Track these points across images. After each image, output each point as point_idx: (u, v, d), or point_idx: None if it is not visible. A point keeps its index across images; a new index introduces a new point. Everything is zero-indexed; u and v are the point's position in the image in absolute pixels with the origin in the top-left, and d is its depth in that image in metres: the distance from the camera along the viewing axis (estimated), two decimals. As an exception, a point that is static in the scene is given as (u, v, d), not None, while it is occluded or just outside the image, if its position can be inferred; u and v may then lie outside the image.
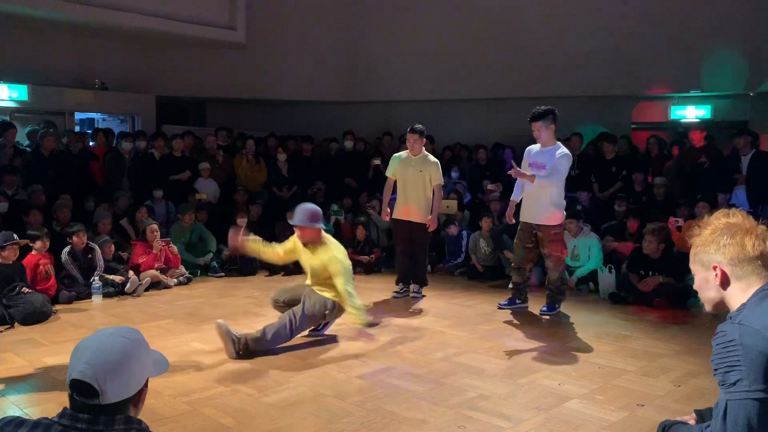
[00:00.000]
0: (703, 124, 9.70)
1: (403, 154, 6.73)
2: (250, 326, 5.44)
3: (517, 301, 6.12)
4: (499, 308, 6.13)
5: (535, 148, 5.81)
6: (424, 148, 6.64)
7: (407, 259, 6.74)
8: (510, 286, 6.24)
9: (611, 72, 10.05)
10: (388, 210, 6.74)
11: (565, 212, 5.87)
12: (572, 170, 8.99)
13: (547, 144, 5.68)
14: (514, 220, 6.03)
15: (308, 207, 4.91)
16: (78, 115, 10.90)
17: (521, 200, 5.93)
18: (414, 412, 3.49)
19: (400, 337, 5.05)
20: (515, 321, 5.69)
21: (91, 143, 9.59)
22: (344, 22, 11.87)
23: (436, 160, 6.71)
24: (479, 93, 11.08)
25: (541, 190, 5.61)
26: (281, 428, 3.30)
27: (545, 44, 10.41)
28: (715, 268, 2.01)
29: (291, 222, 4.90)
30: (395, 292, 6.77)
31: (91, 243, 6.91)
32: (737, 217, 2.02)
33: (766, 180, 7.44)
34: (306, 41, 11.69)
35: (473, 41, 10.93)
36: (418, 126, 6.59)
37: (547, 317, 5.87)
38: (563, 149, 5.66)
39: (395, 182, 6.71)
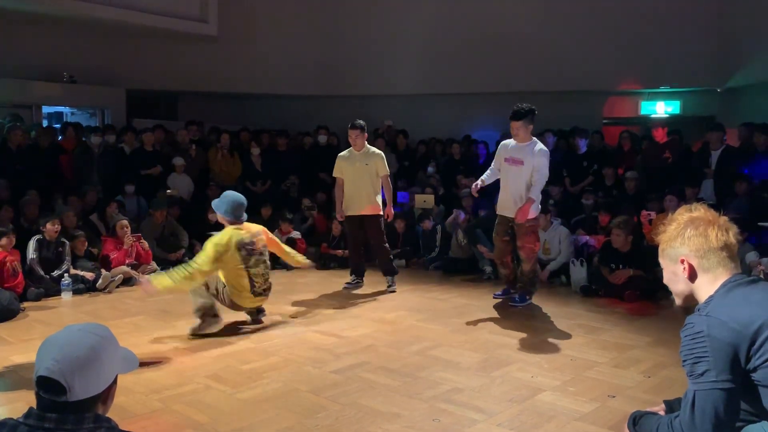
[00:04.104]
0: (664, 122, 9.85)
1: (345, 152, 6.84)
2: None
3: (511, 291, 6.28)
4: (495, 298, 6.29)
5: (511, 143, 5.89)
6: (366, 143, 6.73)
7: (358, 253, 6.95)
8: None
9: (583, 68, 10.17)
10: (342, 211, 6.83)
11: (540, 206, 5.97)
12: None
13: (524, 140, 5.77)
14: (477, 195, 6.28)
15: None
16: (45, 109, 10.65)
17: (499, 193, 6.06)
18: (388, 406, 3.49)
19: (375, 331, 5.05)
20: (489, 315, 5.73)
21: (59, 137, 9.39)
22: (319, 15, 11.80)
23: (381, 151, 6.84)
24: (454, 88, 11.12)
25: (518, 186, 5.74)
26: (255, 424, 3.28)
27: (518, 40, 10.49)
28: (682, 261, 2.05)
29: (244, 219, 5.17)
30: (347, 283, 6.93)
31: (63, 238, 6.79)
32: (699, 210, 2.08)
33: (734, 174, 7.58)
34: (279, 35, 11.59)
35: (448, 37, 10.96)
36: (359, 122, 6.70)
37: (519, 308, 5.92)
38: (540, 145, 5.76)
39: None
